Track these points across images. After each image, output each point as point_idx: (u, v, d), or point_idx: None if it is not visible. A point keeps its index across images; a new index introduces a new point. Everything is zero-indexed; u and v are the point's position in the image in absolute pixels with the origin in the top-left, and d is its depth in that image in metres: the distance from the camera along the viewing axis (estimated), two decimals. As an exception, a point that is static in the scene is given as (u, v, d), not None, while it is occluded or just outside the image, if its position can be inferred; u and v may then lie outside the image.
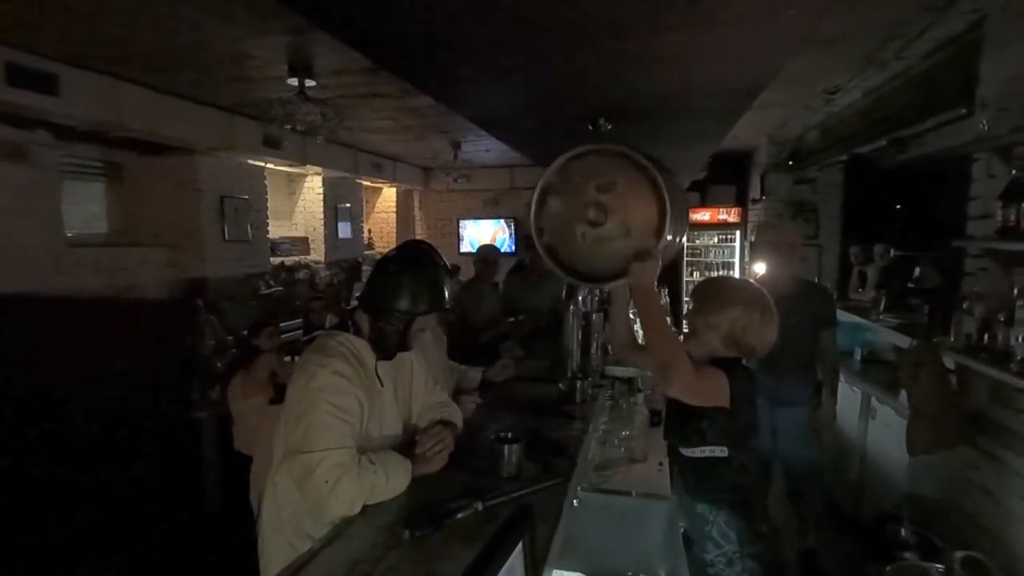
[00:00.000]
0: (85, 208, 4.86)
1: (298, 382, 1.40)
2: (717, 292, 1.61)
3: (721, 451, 1.53)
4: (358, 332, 1.51)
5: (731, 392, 1.47)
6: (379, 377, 1.51)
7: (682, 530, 1.68)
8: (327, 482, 1.28)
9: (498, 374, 2.64)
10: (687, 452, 1.60)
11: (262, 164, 5.92)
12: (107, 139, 4.59)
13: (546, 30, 1.80)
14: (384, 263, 1.54)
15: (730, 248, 8.11)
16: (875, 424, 3.39)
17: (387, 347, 1.51)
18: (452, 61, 2.09)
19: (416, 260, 1.53)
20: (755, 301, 1.53)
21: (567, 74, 2.12)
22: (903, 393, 3.13)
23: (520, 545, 0.66)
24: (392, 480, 1.38)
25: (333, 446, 1.32)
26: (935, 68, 3.42)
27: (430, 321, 1.56)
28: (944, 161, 5.02)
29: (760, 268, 2.85)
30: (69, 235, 4.45)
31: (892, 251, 4.87)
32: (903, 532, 2.38)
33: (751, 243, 6.89)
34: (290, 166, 6.40)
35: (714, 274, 8.28)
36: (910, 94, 3.78)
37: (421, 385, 1.72)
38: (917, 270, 4.04)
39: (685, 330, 1.81)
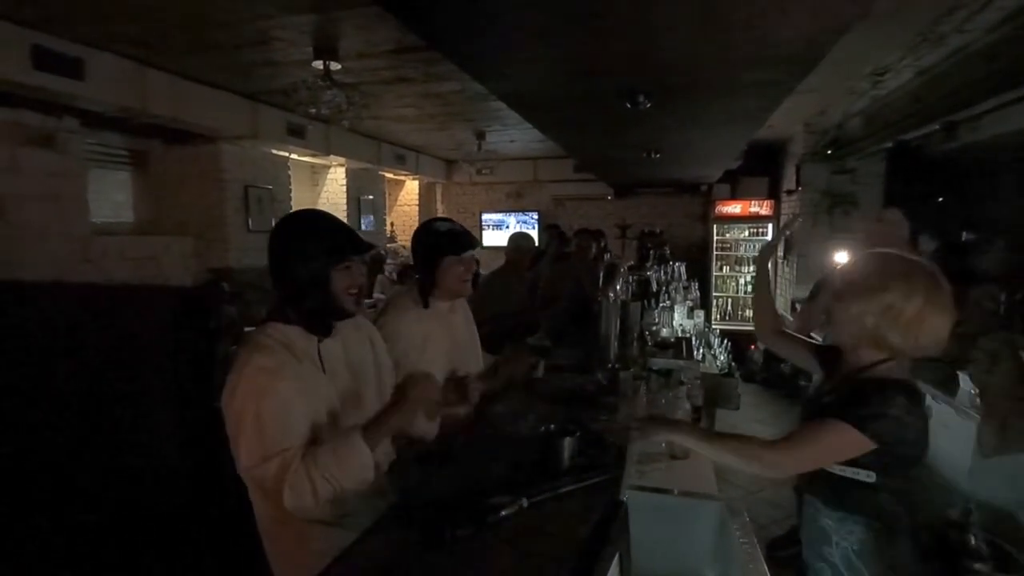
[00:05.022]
0: (111, 196, 4.86)
1: (227, 388, 1.25)
2: (863, 272, 1.26)
3: (868, 476, 1.23)
4: (287, 320, 1.33)
5: (875, 435, 1.17)
6: (322, 361, 1.35)
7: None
8: (280, 491, 1.18)
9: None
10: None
11: (286, 154, 5.88)
12: (133, 127, 4.57)
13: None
14: (271, 245, 1.36)
15: (762, 242, 7.83)
16: (930, 423, 3.17)
17: (318, 324, 1.34)
18: (485, 27, 1.95)
19: (287, 222, 1.37)
20: (918, 291, 1.16)
21: (610, 39, 1.97)
22: (961, 390, 2.92)
23: (617, 558, 0.52)
24: (341, 461, 1.22)
25: (270, 453, 1.19)
26: (1001, 42, 3.17)
27: (355, 275, 1.36)
28: (996, 148, 4.75)
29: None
30: (95, 223, 4.45)
31: (964, 234, 4.57)
32: (972, 541, 2.18)
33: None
34: (313, 156, 6.35)
35: (745, 270, 8.01)
36: (969, 73, 3.53)
37: (389, 364, 1.59)
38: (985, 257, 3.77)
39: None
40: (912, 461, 1.24)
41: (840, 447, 1.19)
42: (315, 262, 1.29)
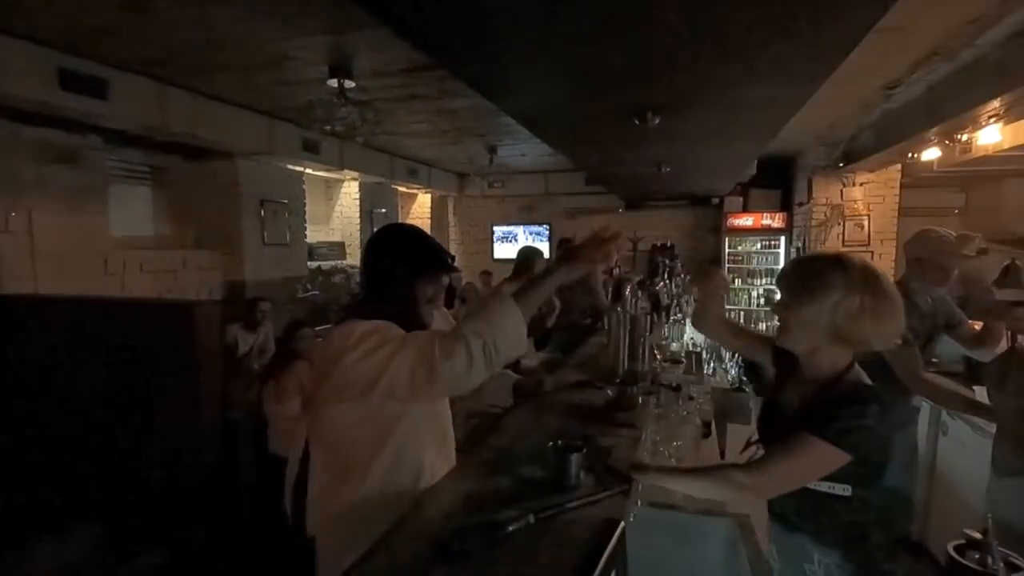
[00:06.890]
0: (132, 211, 4.98)
1: (333, 348, 1.29)
2: (806, 277, 1.25)
3: (843, 489, 1.23)
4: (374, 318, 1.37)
5: (852, 447, 1.15)
6: None
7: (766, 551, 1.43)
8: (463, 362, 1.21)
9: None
10: None
11: (300, 169, 5.99)
12: (153, 144, 4.70)
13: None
14: (370, 259, 1.43)
15: (774, 255, 7.79)
16: (946, 440, 3.13)
17: (407, 323, 1.39)
18: (494, 48, 2.00)
19: (394, 234, 1.48)
20: (857, 282, 1.18)
21: (617, 58, 2.01)
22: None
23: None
24: (491, 318, 1.26)
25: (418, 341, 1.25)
26: (1012, 57, 3.16)
27: (439, 288, 1.47)
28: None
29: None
30: (116, 237, 4.56)
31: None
32: (990, 561, 2.14)
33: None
34: (328, 171, 6.45)
35: (757, 283, 7.97)
36: (980, 87, 3.52)
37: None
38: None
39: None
40: (883, 470, 1.26)
41: (818, 465, 1.17)
42: (410, 268, 1.39)
